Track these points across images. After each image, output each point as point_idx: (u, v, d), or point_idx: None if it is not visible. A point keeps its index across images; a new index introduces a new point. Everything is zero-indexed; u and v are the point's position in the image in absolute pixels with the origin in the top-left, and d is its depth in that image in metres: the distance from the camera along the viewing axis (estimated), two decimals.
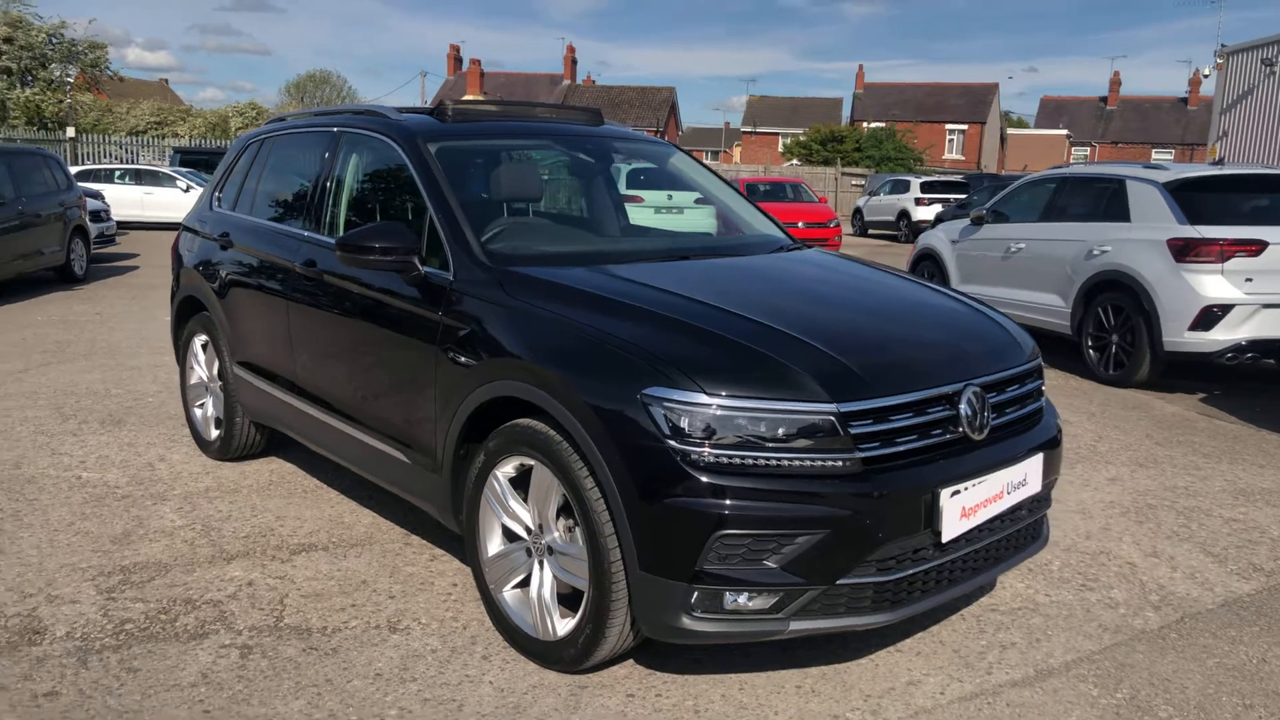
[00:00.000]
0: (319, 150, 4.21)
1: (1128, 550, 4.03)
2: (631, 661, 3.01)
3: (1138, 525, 4.33)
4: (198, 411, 5.08)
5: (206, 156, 27.45)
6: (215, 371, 4.85)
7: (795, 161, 43.72)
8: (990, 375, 2.98)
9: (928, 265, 9.83)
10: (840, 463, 2.59)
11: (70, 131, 28.59)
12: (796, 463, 2.57)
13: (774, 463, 2.55)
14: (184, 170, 23.50)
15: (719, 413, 2.55)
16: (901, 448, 2.70)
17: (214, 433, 4.94)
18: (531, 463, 2.91)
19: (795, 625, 2.62)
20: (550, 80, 63.68)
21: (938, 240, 9.80)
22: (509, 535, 3.08)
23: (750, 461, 2.55)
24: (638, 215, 16.32)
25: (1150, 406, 6.70)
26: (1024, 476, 2.96)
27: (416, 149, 3.63)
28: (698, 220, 16.70)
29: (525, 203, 3.98)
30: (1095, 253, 7.53)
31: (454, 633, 3.20)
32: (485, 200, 3.79)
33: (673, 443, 2.55)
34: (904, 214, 24.18)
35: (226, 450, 4.86)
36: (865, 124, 49.04)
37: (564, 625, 2.89)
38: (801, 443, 2.58)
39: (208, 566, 3.70)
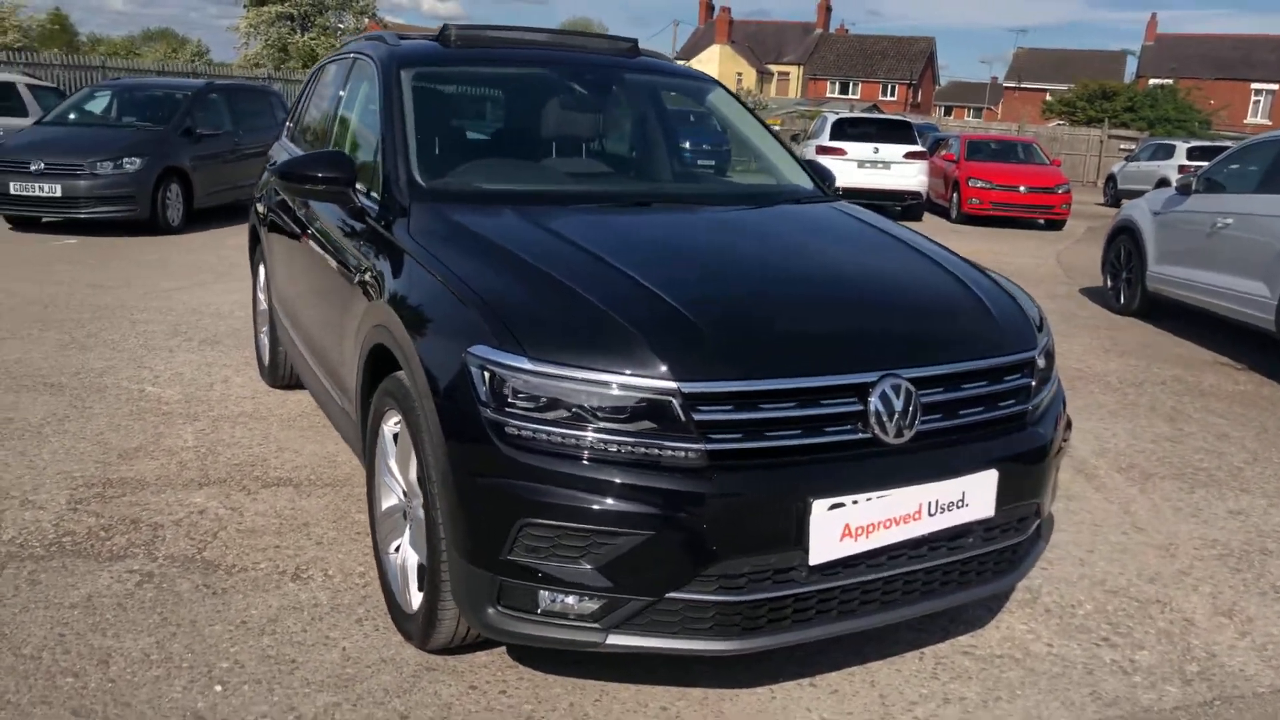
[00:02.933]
0: (338, 80, 4.12)
1: (1194, 604, 3.23)
2: (504, 650, 2.72)
3: (1230, 574, 3.47)
4: (261, 338, 5.23)
5: None
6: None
7: (1061, 122, 39.98)
8: (932, 367, 2.39)
9: (1124, 242, 8.55)
10: (678, 453, 2.15)
11: None
12: (625, 448, 2.16)
13: (598, 445, 2.16)
14: None
15: (540, 380, 2.18)
16: (773, 443, 2.21)
17: (267, 359, 5.08)
18: (401, 420, 2.67)
19: (615, 639, 2.23)
20: (802, 29, 61.97)
21: (1139, 213, 8.47)
22: (398, 494, 2.87)
23: (571, 440, 2.16)
24: (839, 168, 15.50)
25: None
26: (961, 496, 2.36)
27: (389, 75, 3.42)
28: (877, 176, 15.69)
29: (499, 135, 3.68)
30: None
31: (349, 590, 3.04)
32: (451, 131, 3.53)
33: (488, 411, 2.21)
34: (1163, 182, 21.44)
35: (273, 377, 4.97)
36: (1149, 80, 44.09)
37: (416, 599, 2.65)
38: (634, 425, 2.16)
39: (179, 490, 3.75)
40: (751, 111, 4.05)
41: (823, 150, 16.21)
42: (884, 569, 2.35)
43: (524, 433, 2.18)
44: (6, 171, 10.07)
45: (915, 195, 16.21)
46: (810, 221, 3.28)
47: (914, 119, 37.26)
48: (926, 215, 17.13)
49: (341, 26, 33.49)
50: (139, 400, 4.81)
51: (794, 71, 62.59)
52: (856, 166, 16.00)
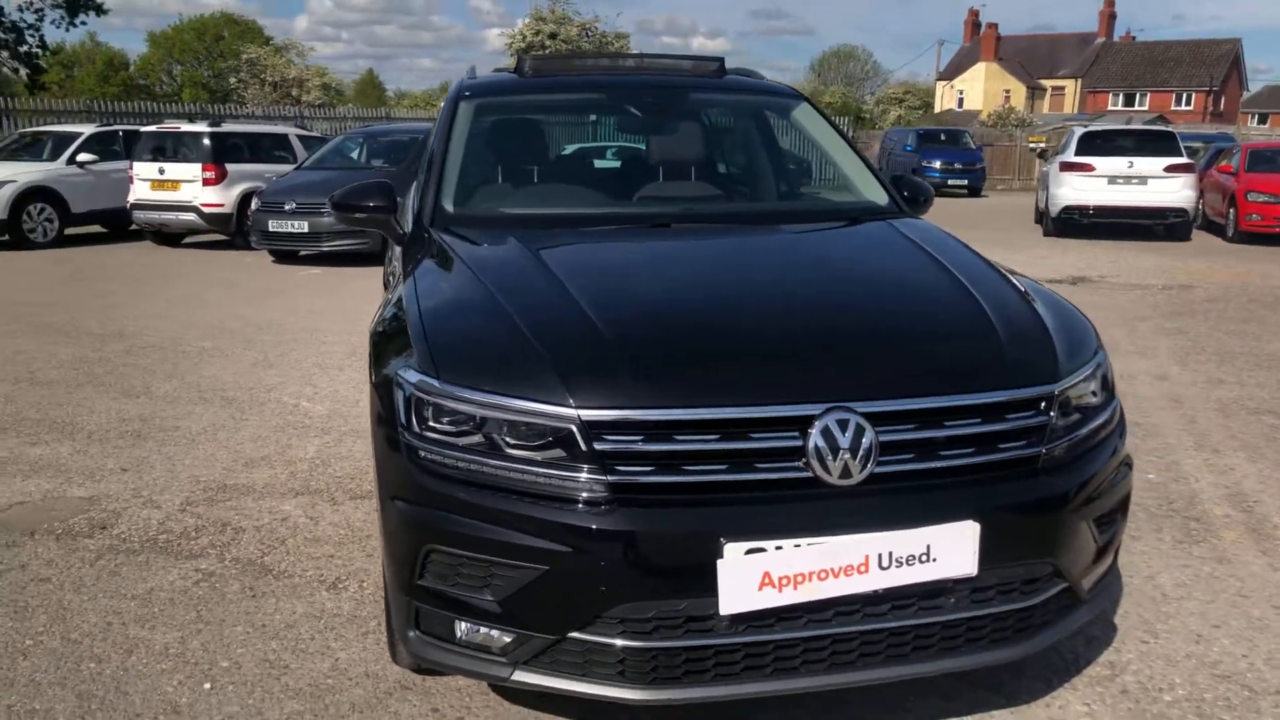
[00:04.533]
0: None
1: None
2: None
3: None
4: None
5: None
6: None
7: None
8: (897, 401, 2.09)
9: None
10: (578, 485, 2.02)
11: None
12: (526, 477, 2.05)
13: (501, 473, 2.07)
14: None
15: (450, 403, 2.12)
16: (688, 478, 2.02)
17: None
18: None
19: (520, 675, 2.12)
20: (1079, 40, 57.64)
21: None
22: None
23: (475, 467, 2.09)
24: (1085, 185, 14.30)
25: None
26: (925, 549, 2.03)
27: (449, 107, 3.54)
28: (1132, 193, 14.14)
29: (549, 160, 3.65)
30: None
31: (374, 603, 3.11)
32: (500, 158, 3.55)
33: (406, 435, 2.19)
34: None
35: None
36: None
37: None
38: (539, 453, 2.05)
39: (276, 497, 4.03)
40: (838, 129, 3.77)
41: (1067, 166, 14.95)
42: (830, 625, 2.07)
43: (434, 457, 2.13)
44: (266, 211, 11.42)
45: (1179, 212, 14.52)
46: (841, 240, 3.00)
47: (1209, 129, 33.52)
48: (1199, 235, 15.31)
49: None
50: (289, 414, 5.24)
51: (1070, 85, 58.29)
52: (1107, 183, 14.60)
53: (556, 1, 34.89)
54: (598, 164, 3.59)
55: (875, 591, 2.04)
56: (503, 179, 3.52)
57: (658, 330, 2.28)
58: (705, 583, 1.97)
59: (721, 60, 3.93)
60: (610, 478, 2.00)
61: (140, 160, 13.09)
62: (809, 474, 2.03)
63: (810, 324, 2.38)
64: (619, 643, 2.03)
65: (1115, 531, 2.45)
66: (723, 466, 2.03)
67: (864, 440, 2.03)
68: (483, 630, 2.14)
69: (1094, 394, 2.40)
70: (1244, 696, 2.61)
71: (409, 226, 3.23)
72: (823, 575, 1.99)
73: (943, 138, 28.85)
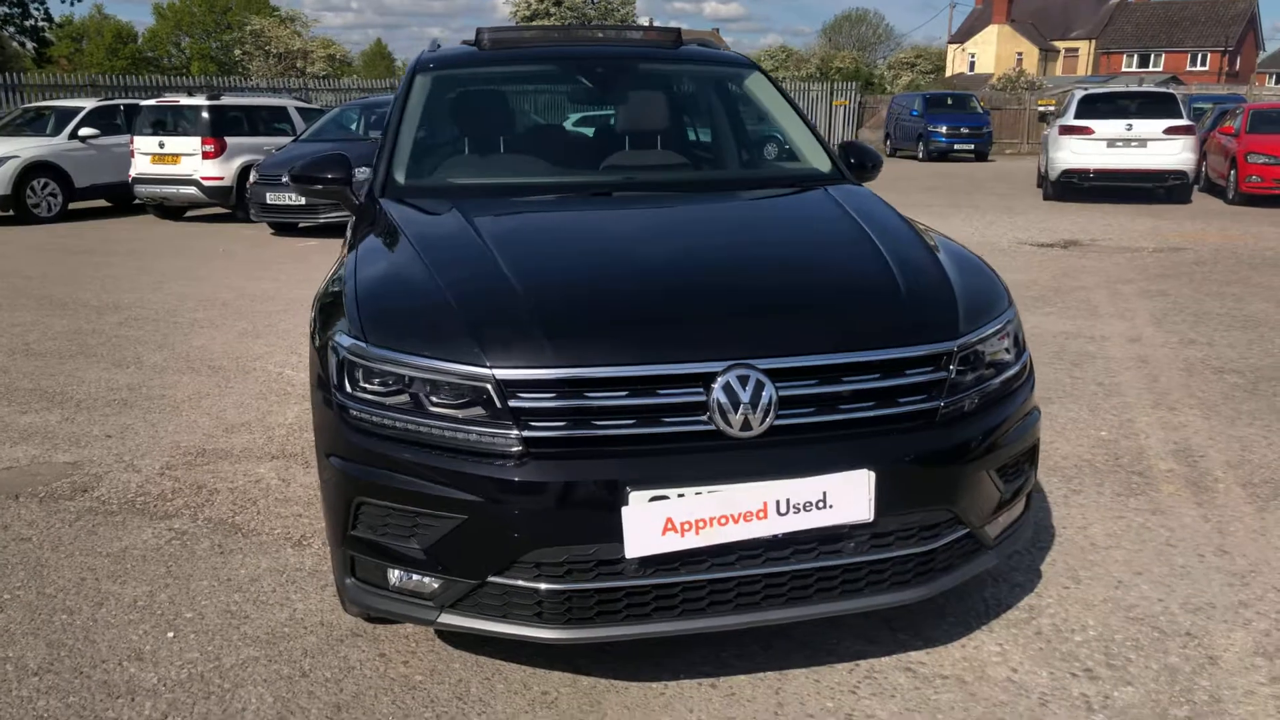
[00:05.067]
0: None
1: (1231, 641, 2.70)
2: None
3: None
4: None
5: None
6: None
7: None
8: (795, 359, 2.21)
9: None
10: (494, 439, 2.15)
11: None
12: (447, 433, 2.18)
13: (425, 430, 2.20)
14: None
15: (376, 365, 2.25)
16: (596, 432, 2.15)
17: None
18: None
19: (446, 618, 2.27)
20: (1095, 0, 56.69)
21: None
22: None
23: (402, 425, 2.22)
24: (1084, 148, 14.25)
25: None
26: (821, 496, 2.16)
27: (406, 80, 3.64)
28: (1130, 156, 14.09)
29: (501, 131, 3.75)
30: None
31: None
32: (451, 130, 3.66)
33: (338, 395, 2.32)
34: None
35: None
36: None
37: None
38: (460, 411, 2.18)
39: (251, 461, 4.19)
40: (788, 97, 3.84)
41: (1066, 130, 14.89)
42: (734, 568, 2.20)
43: (364, 416, 2.26)
44: (264, 184, 11.55)
45: (1178, 175, 14.48)
46: (768, 207, 3.11)
47: (1222, 90, 33.09)
48: (1200, 198, 15.25)
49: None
50: (273, 382, 5.39)
51: (1084, 47, 57.51)
52: (1106, 146, 14.54)
53: None
54: (547, 135, 3.68)
55: (775, 536, 2.16)
56: (453, 150, 3.63)
57: (572, 293, 2.40)
58: (612, 529, 2.10)
59: (678, 31, 4.01)
60: (524, 433, 2.13)
61: (141, 134, 13.23)
62: (712, 427, 2.15)
63: (718, 285, 2.49)
64: (535, 585, 2.17)
65: (1023, 481, 2.56)
66: (631, 421, 2.15)
67: (764, 395, 2.15)
68: (414, 577, 2.28)
69: (1002, 350, 2.50)
70: (1153, 637, 2.73)
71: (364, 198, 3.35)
72: (723, 520, 2.12)
73: (949, 102, 28.64)
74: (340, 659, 2.67)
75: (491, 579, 2.19)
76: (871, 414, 2.25)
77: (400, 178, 3.26)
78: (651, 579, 2.17)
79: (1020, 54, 56.52)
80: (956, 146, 26.58)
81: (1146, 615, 2.85)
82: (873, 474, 2.18)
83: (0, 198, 13.01)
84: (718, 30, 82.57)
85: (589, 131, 3.84)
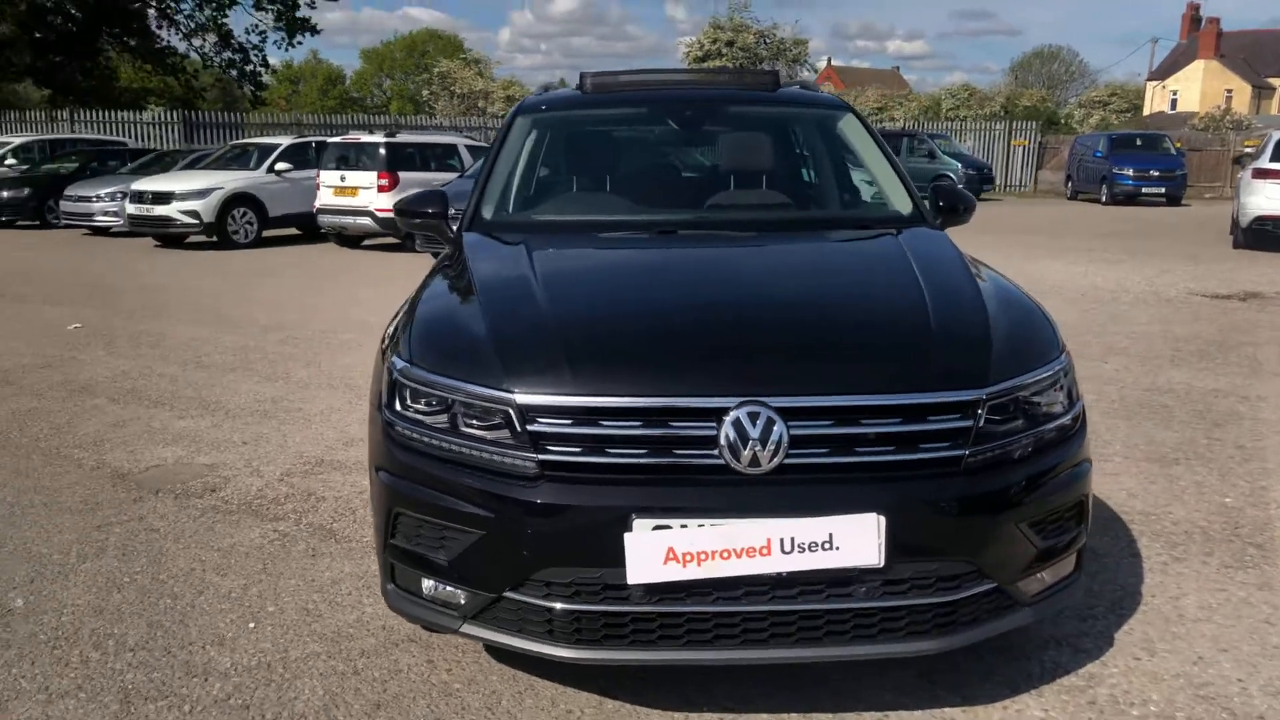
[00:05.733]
0: None
1: None
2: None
3: None
4: None
5: None
6: None
7: None
8: (809, 398, 2.22)
9: None
10: (514, 461, 2.27)
11: None
12: (474, 453, 2.33)
13: (457, 448, 2.35)
14: None
15: (415, 385, 2.44)
16: (608, 459, 2.23)
17: None
18: None
19: (467, 628, 2.40)
20: None
21: None
22: None
23: (437, 442, 2.39)
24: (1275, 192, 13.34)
25: None
26: (828, 537, 2.16)
27: (507, 121, 3.87)
28: (1265, 198, 12.93)
29: (590, 171, 3.89)
30: None
31: None
32: (544, 169, 3.84)
33: (387, 412, 2.52)
34: None
35: None
36: None
37: None
38: (485, 433, 2.33)
39: (362, 473, 4.48)
40: (878, 140, 3.81)
41: (1261, 174, 13.81)
42: (740, 602, 2.23)
43: (406, 432, 2.44)
44: None
45: None
46: (828, 250, 3.12)
47: None
48: None
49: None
50: None
51: None
52: None
53: (735, 10, 35.15)
54: (629, 174, 3.82)
55: (780, 574, 2.18)
56: (541, 188, 3.82)
57: (598, 326, 2.51)
58: (616, 554, 2.17)
59: (775, 73, 4.08)
60: (540, 455, 2.25)
61: (325, 168, 14.35)
62: (721, 461, 2.19)
63: (744, 322, 2.53)
64: (546, 604, 2.27)
65: (1065, 537, 2.46)
66: (643, 450, 2.23)
67: (774, 432, 2.18)
68: (445, 588, 2.43)
69: (1046, 400, 2.42)
70: (1220, 718, 2.54)
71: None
72: (725, 554, 2.16)
73: (1138, 142, 27.07)
74: (391, 661, 2.84)
75: (507, 594, 2.30)
76: (889, 458, 2.23)
77: (487, 214, 3.48)
78: (657, 607, 2.23)
79: (1229, 91, 52.80)
80: (1145, 190, 25.05)
81: (1219, 695, 2.65)
82: (883, 519, 2.16)
83: (206, 225, 14.41)
84: (898, 68, 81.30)
85: (674, 172, 3.95)
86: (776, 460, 2.18)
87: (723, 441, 2.19)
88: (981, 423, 2.27)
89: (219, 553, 3.63)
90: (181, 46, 32.28)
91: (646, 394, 2.24)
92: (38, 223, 17.67)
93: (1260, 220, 13.75)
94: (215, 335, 7.82)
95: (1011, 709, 2.59)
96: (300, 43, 37.10)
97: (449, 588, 2.42)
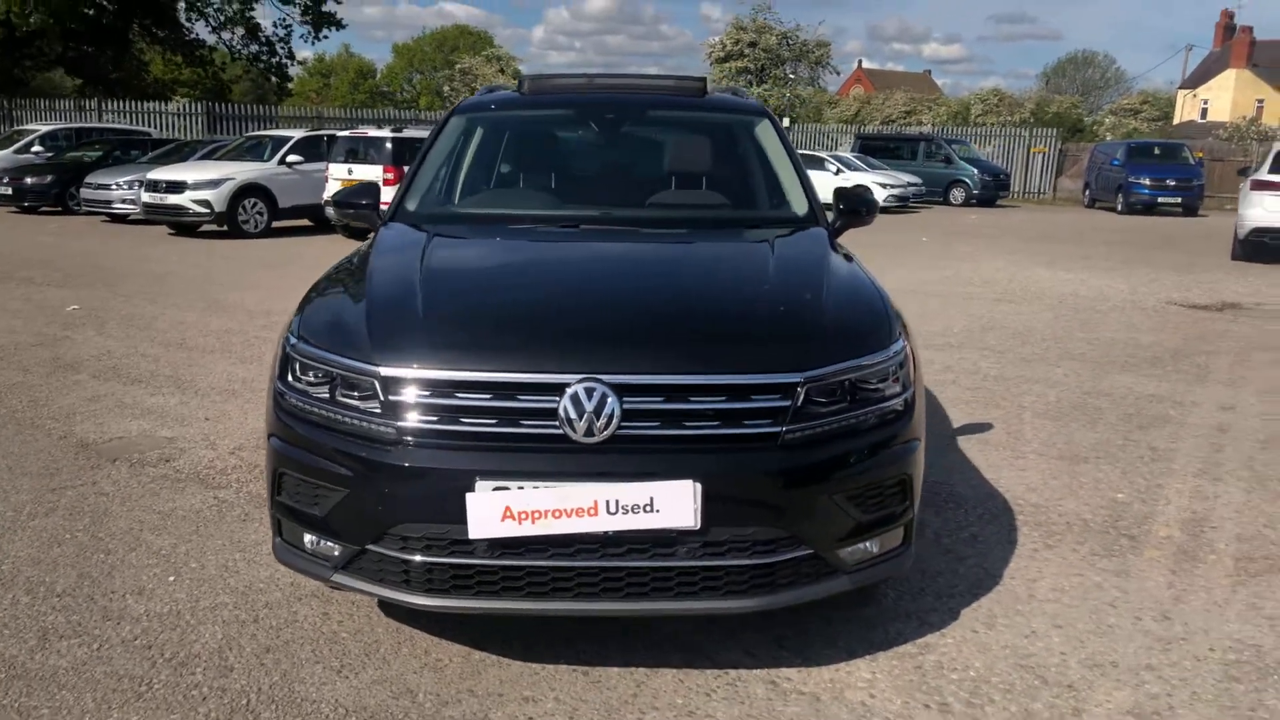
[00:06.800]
0: None
1: (1111, 700, 2.69)
2: None
3: (1224, 684, 2.80)
4: None
5: (884, 143, 29.17)
6: None
7: None
8: (641, 376, 2.47)
9: None
10: (378, 427, 2.54)
11: (785, 122, 32.81)
12: (347, 419, 2.59)
13: (332, 415, 2.62)
14: (851, 156, 25.53)
15: (302, 359, 2.71)
16: (465, 428, 2.49)
17: None
18: None
19: (338, 577, 2.66)
20: None
21: None
22: None
23: (316, 410, 2.65)
24: (1274, 204, 13.33)
25: None
26: (649, 500, 2.40)
27: (442, 120, 4.14)
28: (1262, 210, 12.93)
29: (513, 168, 4.15)
30: None
31: None
32: (464, 165, 4.09)
33: (278, 383, 2.79)
34: None
35: None
36: None
37: None
38: (355, 402, 2.59)
39: None
40: (787, 145, 4.04)
41: (1259, 185, 13.83)
42: (573, 558, 2.47)
43: (294, 402, 2.71)
44: None
45: None
46: (703, 248, 3.38)
47: None
48: None
49: (793, 77, 35.27)
50: None
51: None
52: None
53: (759, 11, 35.28)
54: (545, 172, 4.07)
55: (606, 533, 2.42)
56: (467, 184, 4.08)
57: (460, 307, 2.77)
58: (459, 512, 2.43)
59: (704, 80, 4.32)
60: (399, 423, 2.51)
61: (334, 161, 14.71)
62: (560, 431, 2.44)
63: (592, 308, 2.79)
64: (401, 556, 2.53)
65: (889, 511, 2.68)
66: (492, 420, 2.48)
67: (607, 406, 2.42)
68: (323, 542, 2.69)
69: (873, 385, 2.65)
70: (1031, 685, 2.76)
71: None
72: (556, 514, 2.41)
73: (1156, 151, 26.97)
74: (290, 613, 3.12)
75: (370, 547, 2.56)
76: (713, 432, 2.47)
77: (411, 206, 3.75)
78: (499, 560, 2.48)
79: (1261, 100, 52.25)
80: (1161, 200, 24.94)
81: (1039, 665, 2.87)
82: (699, 485, 2.40)
83: (217, 214, 14.81)
84: (929, 72, 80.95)
85: (590, 171, 4.20)
86: (609, 431, 2.43)
87: (562, 414, 2.44)
88: (799, 402, 2.51)
89: (159, 515, 3.92)
90: (210, 39, 32.93)
91: (496, 370, 2.50)
92: (60, 209, 18.20)
93: (1258, 232, 13.77)
94: (203, 319, 8.15)
95: (843, 670, 2.82)
96: (326, 36, 37.70)
97: (325, 542, 2.68)
